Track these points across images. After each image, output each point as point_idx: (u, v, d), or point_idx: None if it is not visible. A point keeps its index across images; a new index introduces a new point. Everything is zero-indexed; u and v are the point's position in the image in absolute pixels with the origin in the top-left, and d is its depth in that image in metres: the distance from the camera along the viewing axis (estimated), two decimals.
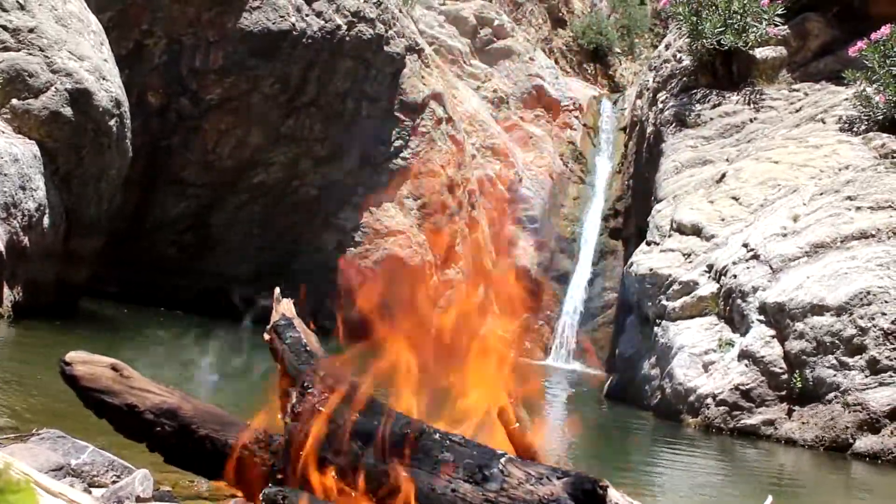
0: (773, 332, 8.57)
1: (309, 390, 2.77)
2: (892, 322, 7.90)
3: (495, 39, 17.57)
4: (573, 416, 9.60)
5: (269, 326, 3.09)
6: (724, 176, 11.06)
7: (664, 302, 9.99)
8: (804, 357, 8.21)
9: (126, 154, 9.04)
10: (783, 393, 8.36)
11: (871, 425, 7.77)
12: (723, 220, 10.38)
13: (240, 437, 2.76)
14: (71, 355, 2.75)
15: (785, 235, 9.21)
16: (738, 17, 12.66)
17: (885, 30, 10.86)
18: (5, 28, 7.75)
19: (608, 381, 11.56)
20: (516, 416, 2.88)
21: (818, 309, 8.24)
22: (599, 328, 15.14)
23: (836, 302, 8.17)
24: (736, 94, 12.76)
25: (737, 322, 9.08)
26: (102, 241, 9.15)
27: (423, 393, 3.01)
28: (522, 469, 2.50)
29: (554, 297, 15.50)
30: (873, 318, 7.99)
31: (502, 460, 2.52)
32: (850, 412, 7.87)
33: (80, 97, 8.03)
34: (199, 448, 2.77)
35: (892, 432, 7.66)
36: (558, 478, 2.45)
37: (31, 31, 7.86)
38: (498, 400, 2.90)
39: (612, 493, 2.41)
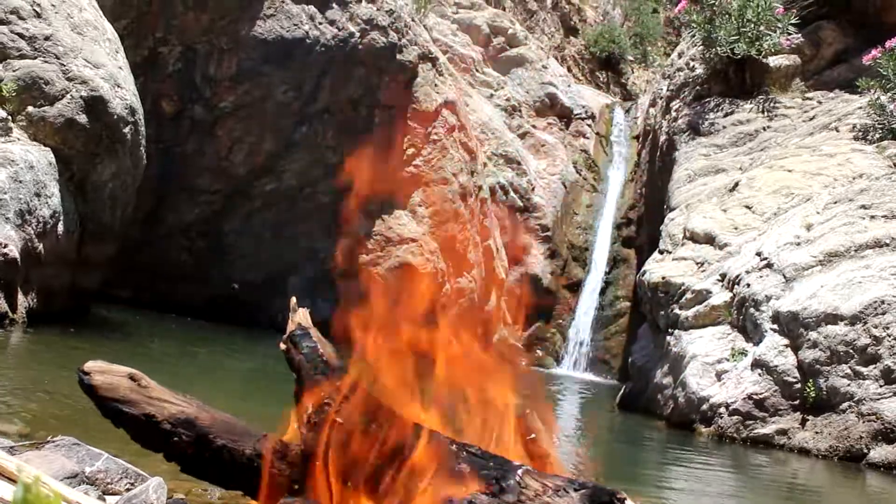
0: (786, 342, 8.54)
1: (326, 401, 2.77)
2: None
3: (508, 48, 17.58)
4: (587, 426, 9.58)
5: (285, 336, 3.10)
6: (737, 184, 11.04)
7: (677, 311, 9.96)
8: (818, 366, 8.18)
9: (140, 161, 9.07)
10: (797, 402, 8.33)
11: (886, 435, 7.74)
12: (736, 228, 10.36)
13: (257, 448, 2.76)
14: (89, 365, 2.75)
15: (798, 244, 9.18)
16: (752, 25, 12.64)
17: None
18: (21, 36, 7.79)
19: (621, 390, 11.53)
20: (532, 426, 2.88)
21: (832, 318, 8.21)
22: (612, 337, 15.10)
23: (850, 311, 8.14)
24: (749, 102, 12.74)
25: (750, 331, 9.05)
26: (116, 248, 9.18)
27: (439, 403, 3.00)
28: (540, 480, 2.49)
29: (566, 306, 15.48)
30: (888, 328, 7.96)
31: (520, 472, 2.51)
32: (864, 422, 7.84)
33: (95, 104, 8.06)
34: (216, 458, 2.76)
35: None
36: (575, 490, 2.44)
37: (47, 38, 7.90)
38: (515, 410, 2.90)
39: None
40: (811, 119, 11.98)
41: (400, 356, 3.00)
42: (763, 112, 12.50)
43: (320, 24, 12.23)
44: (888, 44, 10.96)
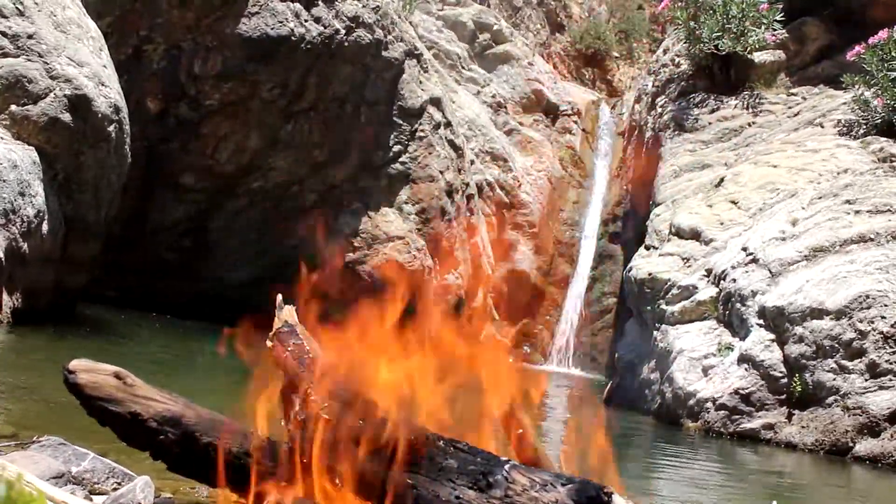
0: (772, 336, 8.57)
1: (312, 397, 2.76)
2: (892, 325, 7.91)
3: (494, 44, 17.58)
4: (574, 421, 9.60)
5: (271, 333, 3.09)
6: (722, 180, 11.07)
7: (663, 306, 9.98)
8: (804, 361, 8.21)
9: (125, 159, 9.03)
10: (783, 397, 8.36)
11: (871, 429, 7.77)
12: (722, 224, 10.39)
13: (244, 446, 2.76)
14: (74, 363, 2.73)
15: (784, 239, 9.21)
16: (737, 21, 12.68)
17: (883, 34, 10.88)
18: (4, 34, 7.74)
19: (608, 386, 11.55)
20: (520, 421, 2.88)
21: (817, 313, 8.24)
22: (599, 332, 15.14)
23: (835, 306, 8.17)
24: (734, 98, 12.77)
25: (736, 326, 9.08)
26: (101, 246, 9.14)
27: (427, 398, 3.00)
28: (527, 475, 2.50)
29: (553, 302, 15.51)
30: (872, 322, 7.99)
31: (506, 467, 2.52)
32: (849, 416, 7.87)
33: (79, 103, 8.02)
34: (202, 456, 2.76)
35: (892, 436, 7.66)
36: (563, 484, 2.44)
37: (30, 37, 7.85)
38: (501, 405, 2.90)
39: (617, 500, 2.41)
40: (796, 115, 12.02)
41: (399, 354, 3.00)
42: (748, 108, 12.55)
43: (306, 21, 12.20)
44: (872, 40, 11.00)
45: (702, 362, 9.06)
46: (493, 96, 16.72)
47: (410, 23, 14.79)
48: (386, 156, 13.19)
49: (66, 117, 7.92)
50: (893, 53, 10.74)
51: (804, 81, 12.73)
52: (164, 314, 11.10)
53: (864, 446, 7.74)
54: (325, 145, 12.67)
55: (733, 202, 10.59)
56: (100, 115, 8.28)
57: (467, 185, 14.34)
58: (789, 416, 8.28)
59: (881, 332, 7.92)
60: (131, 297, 11.21)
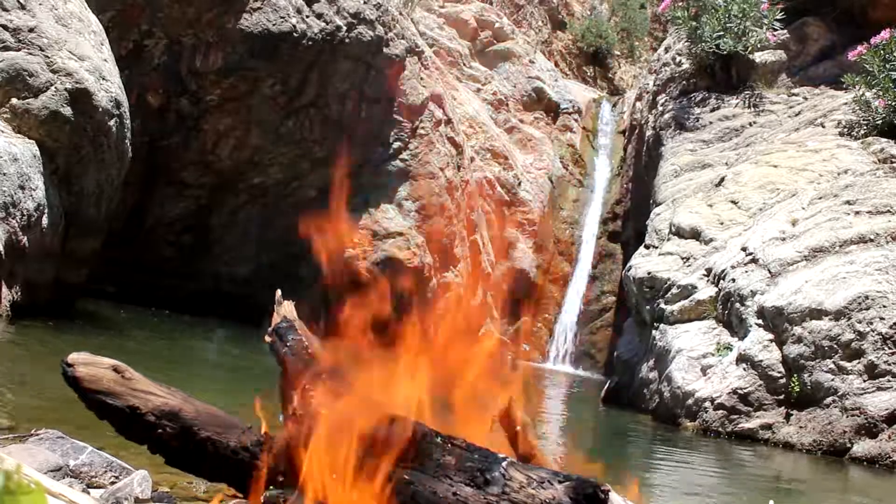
0: (771, 337, 8.58)
1: (310, 393, 2.77)
2: (891, 327, 7.92)
3: (495, 42, 17.57)
4: (572, 420, 9.61)
5: (270, 329, 3.09)
6: (723, 180, 11.07)
7: (662, 305, 9.99)
8: (802, 361, 8.22)
9: (125, 154, 9.03)
10: (781, 397, 8.36)
11: (869, 430, 7.78)
12: (721, 223, 10.39)
13: (242, 440, 2.76)
14: (73, 357, 2.73)
15: (784, 240, 9.21)
16: (738, 21, 12.67)
17: (885, 34, 10.88)
18: (5, 27, 7.74)
19: (606, 385, 11.55)
20: (517, 418, 2.88)
21: (816, 313, 8.24)
22: (598, 331, 15.14)
23: (834, 306, 8.18)
24: (735, 97, 12.77)
25: (735, 326, 9.09)
26: (101, 242, 9.14)
27: (424, 395, 3.00)
28: (524, 473, 2.50)
29: (552, 300, 15.51)
30: (871, 323, 7.99)
31: (504, 464, 2.52)
32: (847, 416, 7.88)
33: (79, 97, 8.01)
34: (200, 450, 2.76)
35: (889, 437, 7.67)
36: (560, 482, 2.45)
37: (31, 30, 7.84)
38: (500, 403, 2.90)
39: (614, 497, 2.41)
40: (797, 115, 12.02)
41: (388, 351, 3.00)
42: (749, 107, 12.55)
43: (307, 17, 12.19)
44: (873, 40, 11.00)
45: (700, 362, 9.07)
46: (494, 94, 16.71)
47: (412, 20, 14.78)
48: (386, 152, 13.18)
49: (67, 111, 7.91)
50: (895, 54, 10.74)
51: (805, 81, 12.74)
52: (163, 310, 11.10)
53: (862, 447, 7.75)
54: (326, 142, 12.66)
55: (733, 202, 10.59)
56: (100, 110, 8.27)
57: (467, 182, 14.33)
58: (787, 417, 8.29)
59: (880, 333, 7.93)
60: (131, 292, 11.20)
